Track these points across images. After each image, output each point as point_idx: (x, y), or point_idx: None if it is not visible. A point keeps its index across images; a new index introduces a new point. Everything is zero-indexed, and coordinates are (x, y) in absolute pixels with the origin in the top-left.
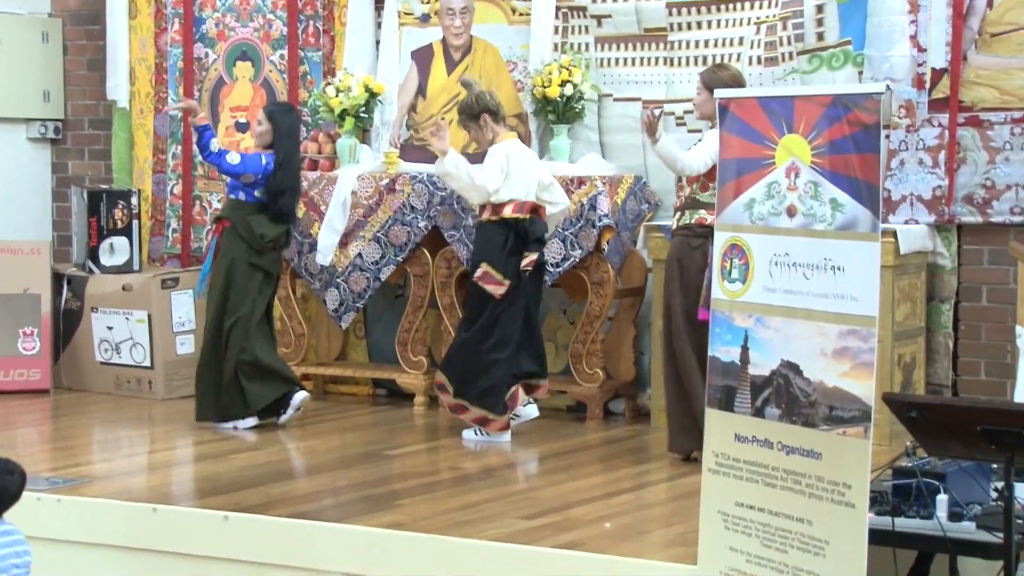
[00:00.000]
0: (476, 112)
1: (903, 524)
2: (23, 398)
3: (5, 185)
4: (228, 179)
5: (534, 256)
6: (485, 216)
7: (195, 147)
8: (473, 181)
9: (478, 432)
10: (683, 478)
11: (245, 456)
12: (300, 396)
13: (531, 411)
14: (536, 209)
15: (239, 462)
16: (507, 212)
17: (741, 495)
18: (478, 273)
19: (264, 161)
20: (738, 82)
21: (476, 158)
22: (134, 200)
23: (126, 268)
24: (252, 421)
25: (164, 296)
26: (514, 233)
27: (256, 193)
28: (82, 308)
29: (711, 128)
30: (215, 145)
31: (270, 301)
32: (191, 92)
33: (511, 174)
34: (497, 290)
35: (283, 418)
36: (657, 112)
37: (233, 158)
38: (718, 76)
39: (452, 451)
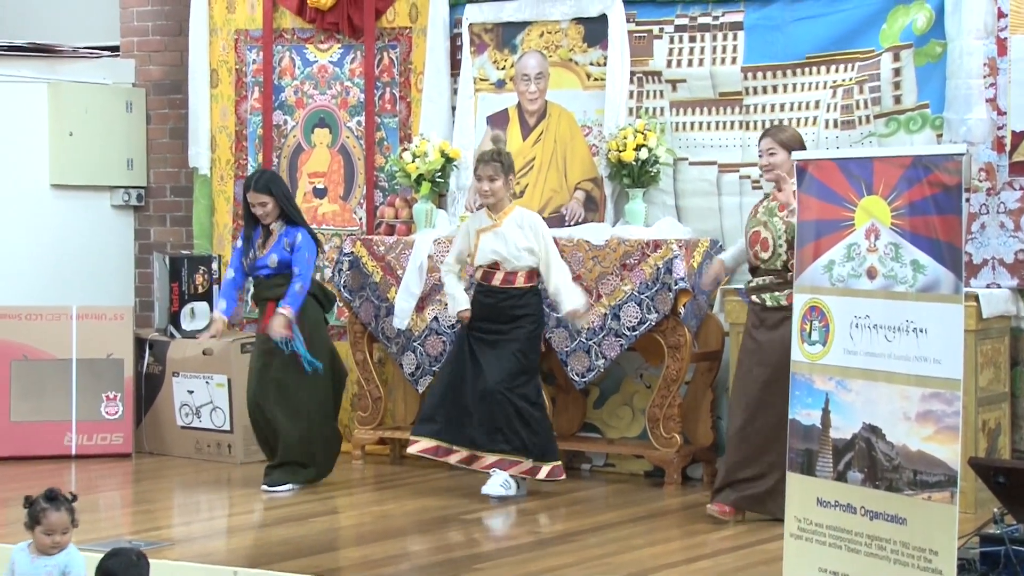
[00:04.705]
0: (513, 170)
1: None
2: (106, 462)
3: (89, 252)
4: (273, 263)
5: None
6: (527, 283)
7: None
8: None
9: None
10: (763, 544)
11: (324, 520)
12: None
13: None
14: None
15: (318, 526)
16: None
17: (824, 561)
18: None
19: (291, 240)
20: (801, 142)
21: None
22: (214, 266)
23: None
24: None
25: (243, 360)
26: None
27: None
28: (163, 372)
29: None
30: (298, 290)
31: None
32: (270, 159)
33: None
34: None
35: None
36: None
37: (302, 280)
38: (791, 135)
39: (530, 515)
